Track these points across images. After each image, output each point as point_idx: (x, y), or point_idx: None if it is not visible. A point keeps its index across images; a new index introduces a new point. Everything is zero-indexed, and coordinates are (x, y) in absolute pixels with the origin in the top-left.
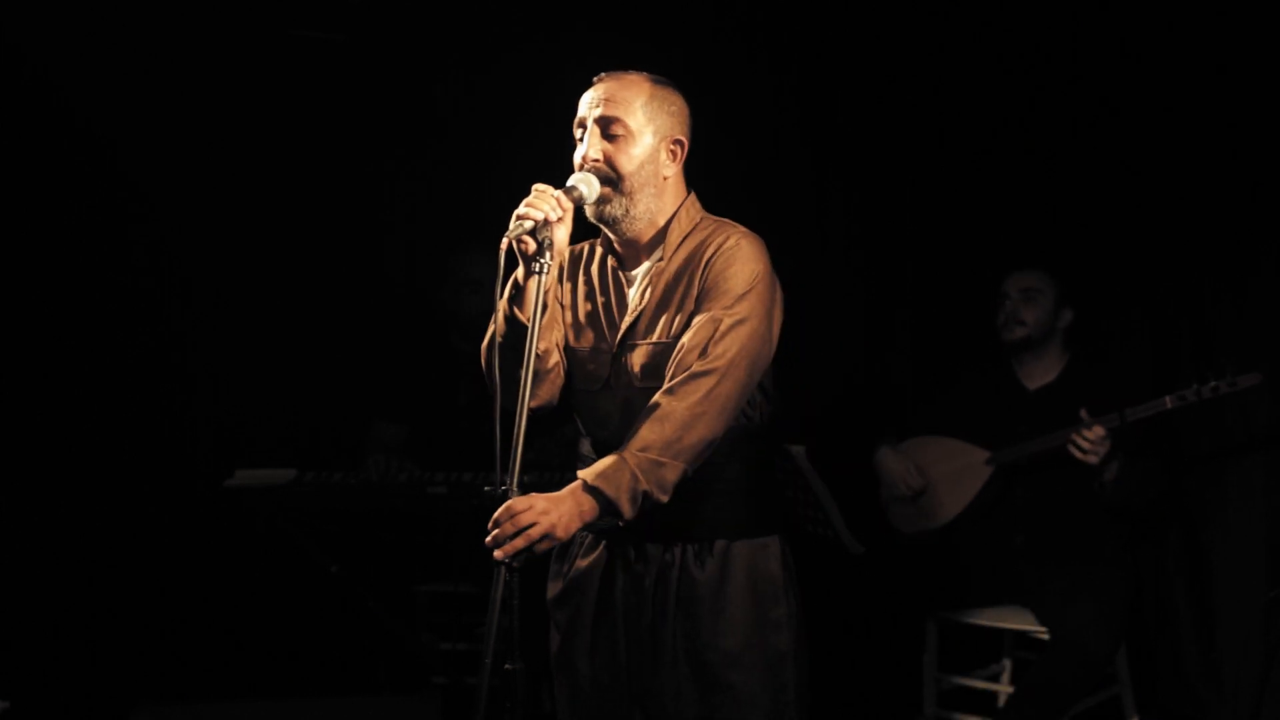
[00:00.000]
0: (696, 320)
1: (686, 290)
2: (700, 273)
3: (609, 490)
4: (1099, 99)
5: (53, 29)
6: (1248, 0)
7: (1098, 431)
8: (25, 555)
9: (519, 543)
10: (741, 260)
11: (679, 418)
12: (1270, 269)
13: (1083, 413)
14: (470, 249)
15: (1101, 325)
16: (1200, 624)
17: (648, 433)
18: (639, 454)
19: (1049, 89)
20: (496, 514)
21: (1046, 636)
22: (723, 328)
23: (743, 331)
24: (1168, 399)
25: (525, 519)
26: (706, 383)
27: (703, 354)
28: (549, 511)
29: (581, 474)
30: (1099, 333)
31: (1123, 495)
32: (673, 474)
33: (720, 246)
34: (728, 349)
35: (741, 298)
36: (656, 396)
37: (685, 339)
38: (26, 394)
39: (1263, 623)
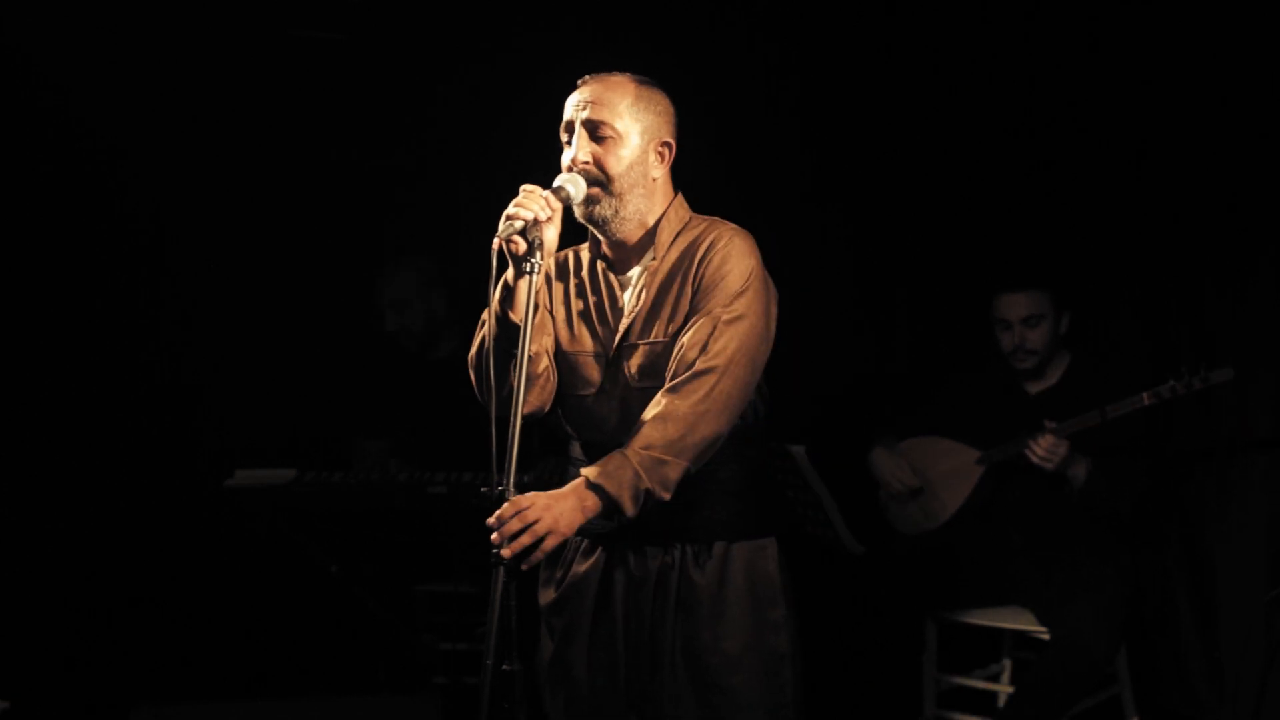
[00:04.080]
0: (695, 319)
1: (681, 289)
2: (694, 271)
3: (611, 488)
4: (1100, 99)
5: (52, 29)
6: (1246, 2)
7: (1044, 443)
8: (25, 555)
9: (525, 539)
10: (735, 257)
11: (682, 416)
12: (1269, 269)
13: (1046, 423)
14: (392, 268)
15: (1101, 326)
16: (1201, 623)
17: (651, 431)
18: (642, 452)
19: (1050, 88)
20: (499, 511)
21: (1046, 636)
22: (721, 325)
23: (741, 328)
24: (1145, 395)
25: (530, 515)
26: (708, 381)
27: (703, 352)
28: (551, 507)
29: (584, 471)
30: (1099, 333)
31: (1094, 497)
32: (675, 472)
33: (712, 244)
34: (726, 346)
35: (738, 295)
36: (659, 395)
37: (684, 338)
38: (27, 394)
39: (1264, 622)
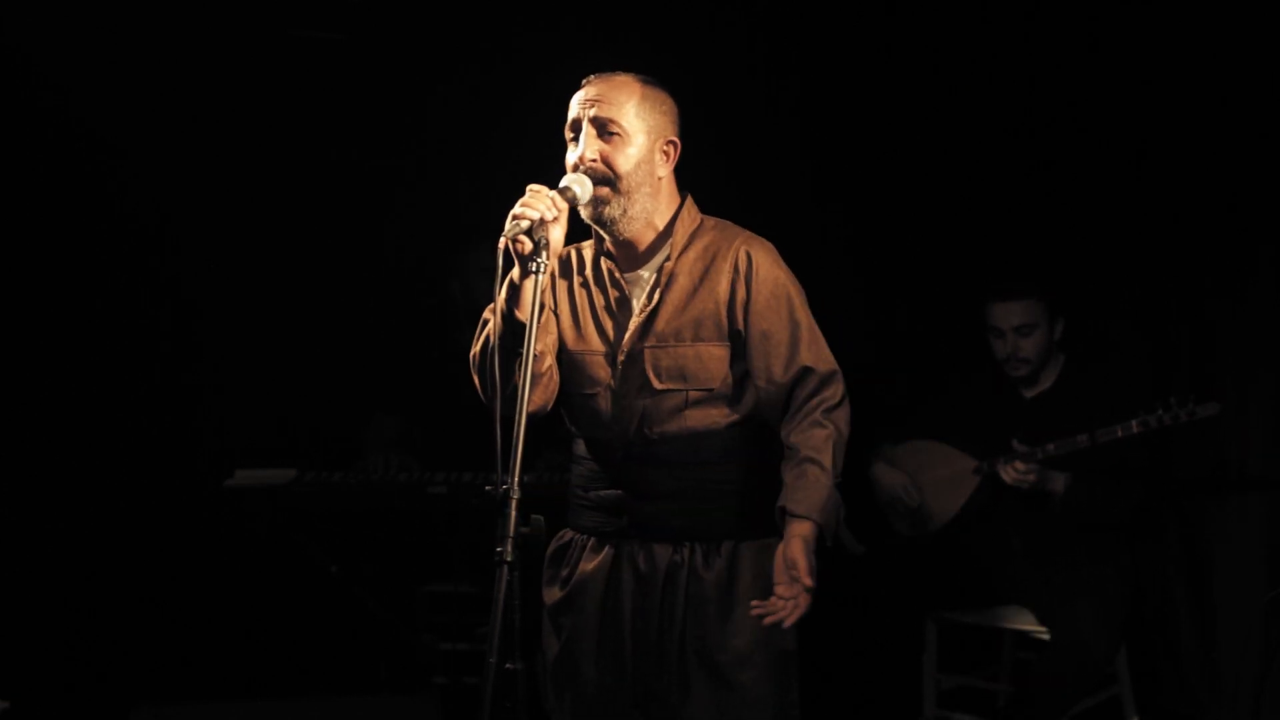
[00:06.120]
0: (789, 349)
1: (709, 295)
2: (727, 281)
3: (828, 525)
4: (1100, 99)
5: (52, 29)
6: (1246, 2)
7: (1010, 471)
8: (25, 555)
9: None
10: (779, 269)
11: (844, 438)
12: (1269, 269)
13: (1015, 445)
14: (482, 242)
15: (1101, 326)
16: (1200, 624)
17: (835, 459)
18: (833, 483)
19: (1050, 88)
20: (783, 595)
21: (1046, 636)
22: (820, 348)
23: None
24: (1134, 423)
25: (803, 597)
26: (846, 407)
27: (831, 376)
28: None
29: (798, 511)
30: (1098, 334)
31: (1074, 510)
32: None
33: (741, 255)
34: (829, 357)
35: (802, 307)
36: (820, 419)
37: (808, 367)
38: (28, 394)
39: (1263, 623)
